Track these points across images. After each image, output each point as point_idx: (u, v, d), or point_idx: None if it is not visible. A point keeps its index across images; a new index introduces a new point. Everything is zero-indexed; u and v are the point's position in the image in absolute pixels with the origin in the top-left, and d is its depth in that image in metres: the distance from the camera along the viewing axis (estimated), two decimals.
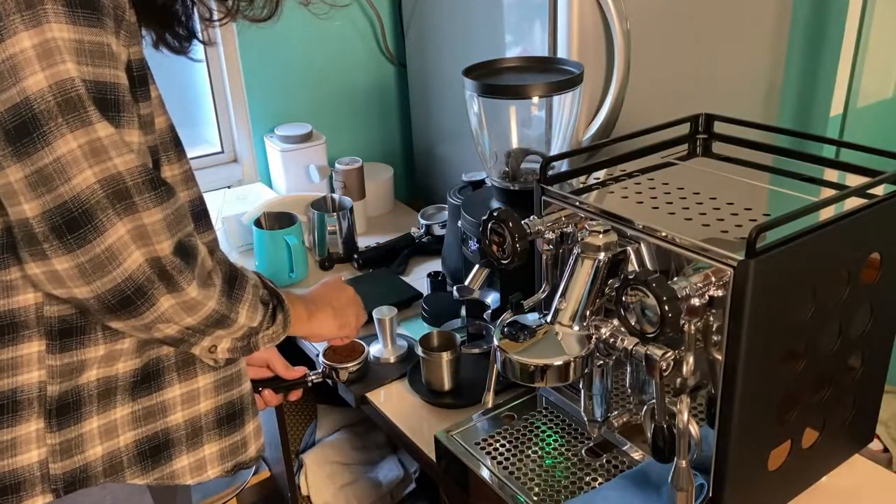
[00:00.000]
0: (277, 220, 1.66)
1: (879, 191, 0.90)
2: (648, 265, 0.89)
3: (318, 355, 1.33)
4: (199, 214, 0.88)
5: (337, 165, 1.82)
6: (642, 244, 0.89)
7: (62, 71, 0.66)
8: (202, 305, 0.77)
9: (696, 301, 0.79)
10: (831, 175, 0.99)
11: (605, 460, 1.03)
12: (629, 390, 1.01)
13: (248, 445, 0.94)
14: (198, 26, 0.89)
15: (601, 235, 0.88)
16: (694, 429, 0.85)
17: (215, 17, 0.89)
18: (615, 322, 0.85)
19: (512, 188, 1.30)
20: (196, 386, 0.88)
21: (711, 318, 0.82)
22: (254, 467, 1.73)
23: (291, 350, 1.43)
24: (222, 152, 1.98)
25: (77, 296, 0.71)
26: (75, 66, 0.66)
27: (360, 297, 1.16)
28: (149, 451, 0.85)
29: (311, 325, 1.02)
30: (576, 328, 0.87)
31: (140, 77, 0.77)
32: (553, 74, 1.26)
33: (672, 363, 0.80)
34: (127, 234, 0.70)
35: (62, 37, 0.66)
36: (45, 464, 0.78)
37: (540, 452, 1.05)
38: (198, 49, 0.94)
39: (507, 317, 0.94)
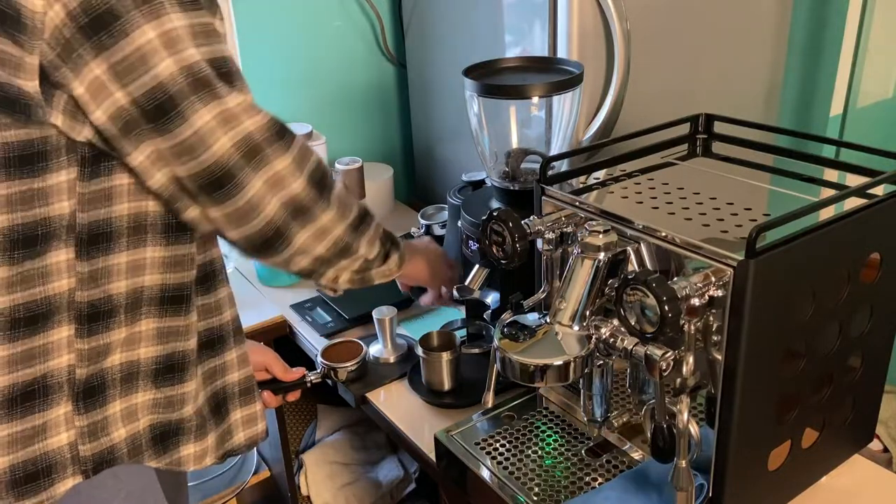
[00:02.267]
0: None
1: (879, 191, 0.90)
2: (648, 265, 0.89)
3: (316, 355, 1.33)
4: None
5: (337, 165, 1.82)
6: (642, 244, 0.89)
7: (187, 56, 0.74)
8: (330, 232, 0.88)
9: (695, 301, 0.79)
10: (831, 175, 0.99)
11: (605, 460, 1.03)
12: (629, 390, 1.01)
13: (233, 433, 0.96)
14: None
15: (601, 235, 0.88)
16: (694, 429, 0.85)
17: None
18: (615, 322, 0.85)
19: (512, 188, 1.30)
20: (199, 380, 0.91)
21: (711, 318, 0.82)
22: (253, 467, 1.73)
23: (291, 350, 1.43)
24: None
25: (228, 237, 0.84)
26: (196, 50, 0.74)
27: (362, 296, 1.17)
28: (160, 436, 0.89)
29: (406, 266, 1.07)
30: (576, 328, 0.87)
31: None
32: (553, 74, 1.26)
33: (672, 363, 0.80)
34: (263, 185, 0.80)
35: (180, 24, 0.73)
36: (75, 446, 0.82)
37: (540, 452, 1.05)
38: None
39: (507, 317, 0.94)
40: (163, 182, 0.79)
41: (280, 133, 0.81)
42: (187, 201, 0.81)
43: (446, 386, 1.24)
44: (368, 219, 0.94)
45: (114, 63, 0.72)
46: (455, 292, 1.19)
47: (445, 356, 1.23)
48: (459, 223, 1.37)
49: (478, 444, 1.07)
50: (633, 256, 0.90)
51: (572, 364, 0.85)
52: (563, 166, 1.28)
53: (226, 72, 0.77)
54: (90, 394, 0.82)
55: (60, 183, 0.76)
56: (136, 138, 0.75)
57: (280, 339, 1.52)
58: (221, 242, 0.89)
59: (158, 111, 0.74)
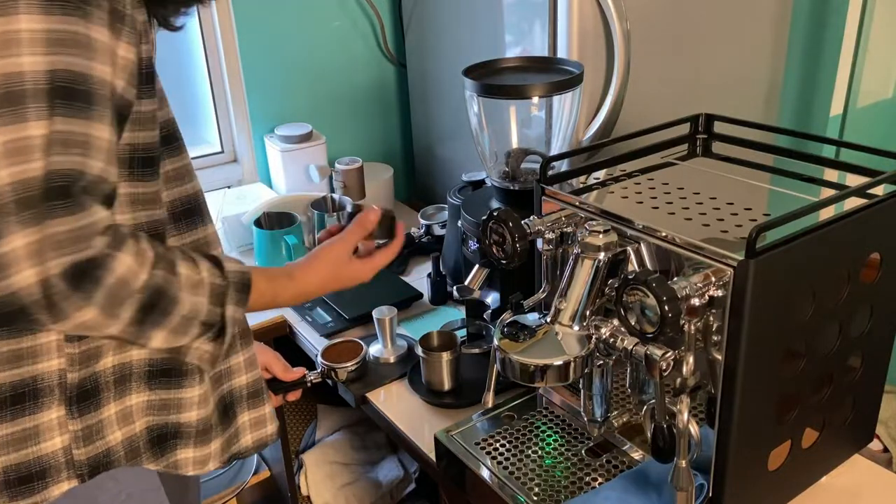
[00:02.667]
0: (277, 220, 1.66)
1: (879, 191, 0.90)
2: (648, 265, 0.89)
3: (317, 356, 1.33)
4: (194, 210, 0.87)
5: (337, 165, 1.82)
6: (642, 244, 0.89)
7: (11, 63, 0.63)
8: (100, 329, 0.71)
9: (695, 301, 0.79)
10: (831, 175, 0.99)
11: (605, 460, 1.03)
12: (629, 390, 1.00)
13: (239, 436, 0.95)
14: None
15: (601, 235, 0.88)
16: (694, 429, 0.85)
17: None
18: (615, 322, 0.85)
19: (512, 188, 1.30)
20: (207, 386, 0.89)
21: (711, 318, 0.82)
22: (253, 467, 1.73)
23: (290, 350, 1.43)
24: (222, 152, 1.98)
25: None
26: (33, 59, 0.64)
27: (362, 296, 1.16)
28: (157, 438, 0.87)
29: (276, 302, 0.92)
30: (576, 328, 0.87)
31: (148, 75, 0.77)
32: (553, 74, 1.26)
33: (672, 363, 0.80)
34: (24, 247, 0.63)
35: (30, 28, 0.64)
36: (69, 450, 0.80)
37: (540, 452, 1.05)
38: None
39: (507, 317, 0.94)
40: None
41: (71, 194, 0.65)
42: None
43: (446, 386, 1.24)
44: (167, 308, 0.73)
45: None
46: (455, 292, 1.18)
47: (445, 356, 1.23)
48: (459, 223, 1.37)
49: (478, 444, 1.07)
50: (633, 256, 0.90)
51: (572, 364, 0.85)
52: (563, 166, 1.28)
53: (70, 88, 0.65)
54: (84, 397, 0.81)
55: None
56: None
57: (280, 339, 1.52)
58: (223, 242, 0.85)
59: None
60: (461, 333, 1.30)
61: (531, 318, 0.92)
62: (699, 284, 0.80)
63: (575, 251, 0.90)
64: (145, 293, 0.71)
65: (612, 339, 0.85)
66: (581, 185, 1.02)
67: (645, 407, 0.94)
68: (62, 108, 0.65)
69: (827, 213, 0.85)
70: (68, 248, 0.65)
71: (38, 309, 0.65)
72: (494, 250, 0.97)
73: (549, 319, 0.89)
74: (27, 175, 0.64)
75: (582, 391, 0.99)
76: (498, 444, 1.06)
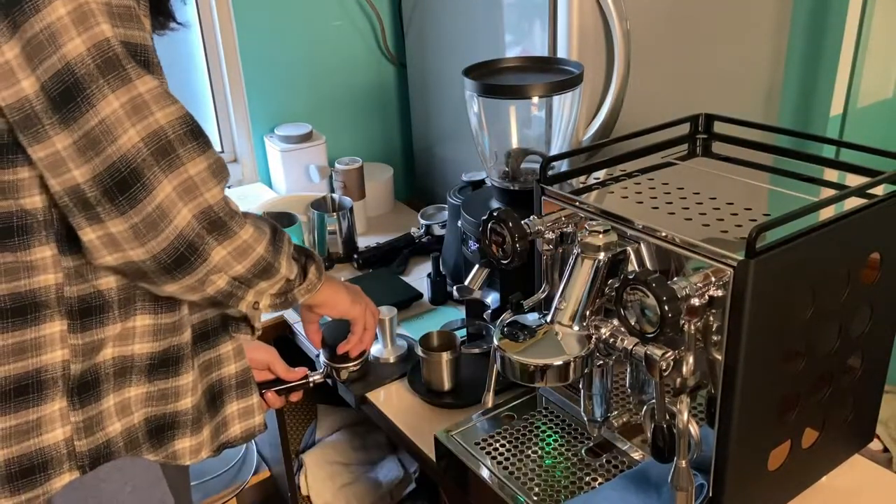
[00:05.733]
0: (277, 220, 1.66)
1: (879, 191, 0.90)
2: (648, 265, 0.89)
3: (318, 355, 1.33)
4: None
5: (337, 165, 1.82)
6: (642, 244, 0.89)
7: (98, 33, 0.68)
8: (252, 250, 0.81)
9: (695, 301, 0.79)
10: (831, 175, 0.99)
11: (605, 460, 1.03)
12: (629, 390, 1.00)
13: (228, 425, 0.96)
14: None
15: (601, 235, 0.88)
16: (694, 429, 0.85)
17: None
18: (615, 322, 0.85)
19: (512, 188, 1.30)
20: (196, 372, 0.90)
21: (711, 318, 0.82)
22: (253, 467, 1.73)
23: (291, 350, 1.43)
24: (222, 152, 1.98)
25: (133, 258, 0.74)
26: (109, 27, 0.69)
27: None
28: (155, 429, 0.88)
29: (326, 290, 1.00)
30: (576, 328, 0.87)
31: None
32: (553, 74, 1.26)
33: (672, 363, 0.80)
34: (173, 190, 0.72)
35: (95, 0, 0.68)
36: (71, 441, 0.81)
37: (540, 452, 1.05)
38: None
39: (507, 317, 0.94)
40: (57, 191, 0.71)
41: (195, 133, 0.74)
42: (82, 219, 0.72)
43: (446, 386, 1.24)
44: (281, 234, 0.87)
45: (25, 43, 0.66)
46: (455, 292, 1.18)
47: (445, 356, 1.23)
48: (459, 223, 1.37)
49: (478, 444, 1.07)
50: (633, 256, 0.90)
51: (572, 364, 0.85)
52: (563, 166, 1.28)
53: (141, 60, 0.71)
54: (85, 389, 0.82)
55: (33, 177, 0.74)
56: (34, 135, 0.69)
57: (280, 339, 1.52)
58: None
59: (65, 97, 0.68)
60: (461, 333, 1.30)
61: (531, 318, 0.92)
62: (699, 284, 0.80)
63: (575, 251, 0.90)
64: (269, 223, 0.87)
65: (612, 339, 0.85)
66: (581, 185, 1.02)
67: (645, 407, 0.94)
68: (142, 68, 0.72)
69: (827, 213, 0.85)
70: (219, 175, 0.77)
71: (203, 240, 0.76)
72: (494, 250, 0.97)
73: (548, 319, 0.89)
74: (165, 120, 0.72)
75: (582, 391, 0.99)
76: (498, 444, 1.06)
